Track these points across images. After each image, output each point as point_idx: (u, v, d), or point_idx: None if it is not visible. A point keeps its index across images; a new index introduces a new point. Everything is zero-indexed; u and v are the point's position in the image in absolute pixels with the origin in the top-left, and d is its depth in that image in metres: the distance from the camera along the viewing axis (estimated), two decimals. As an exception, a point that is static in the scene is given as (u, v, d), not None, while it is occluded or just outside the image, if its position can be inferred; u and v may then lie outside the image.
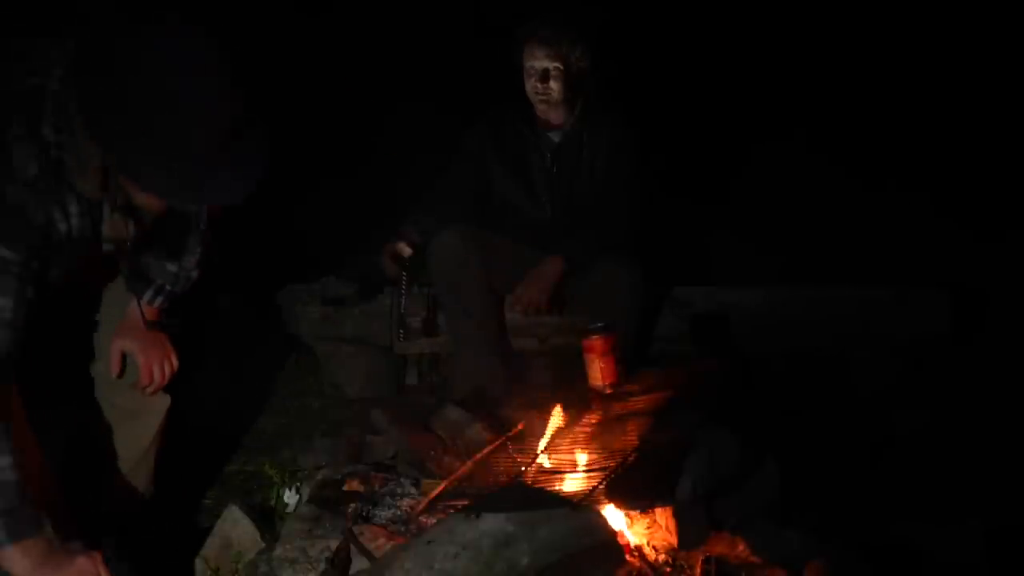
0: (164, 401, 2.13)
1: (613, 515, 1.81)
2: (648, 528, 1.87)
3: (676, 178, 3.52)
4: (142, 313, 2.03)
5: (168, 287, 2.07)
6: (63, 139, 1.56)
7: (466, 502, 1.78)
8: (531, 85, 2.83)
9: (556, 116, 2.90)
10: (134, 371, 2.06)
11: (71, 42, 1.56)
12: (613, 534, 1.72)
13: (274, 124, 1.59)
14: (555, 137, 2.93)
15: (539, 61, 2.79)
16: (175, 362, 2.09)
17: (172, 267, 2.06)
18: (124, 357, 2.06)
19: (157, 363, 2.06)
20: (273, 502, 2.38)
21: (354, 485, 2.13)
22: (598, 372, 2.23)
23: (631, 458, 1.82)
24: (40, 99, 1.55)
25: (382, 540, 1.83)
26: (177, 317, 2.14)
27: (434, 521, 1.83)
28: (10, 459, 1.60)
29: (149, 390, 2.08)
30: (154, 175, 1.50)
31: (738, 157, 4.20)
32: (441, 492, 1.94)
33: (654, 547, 1.81)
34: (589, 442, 1.99)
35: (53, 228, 1.63)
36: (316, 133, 4.14)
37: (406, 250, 2.90)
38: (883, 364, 3.06)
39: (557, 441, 2.03)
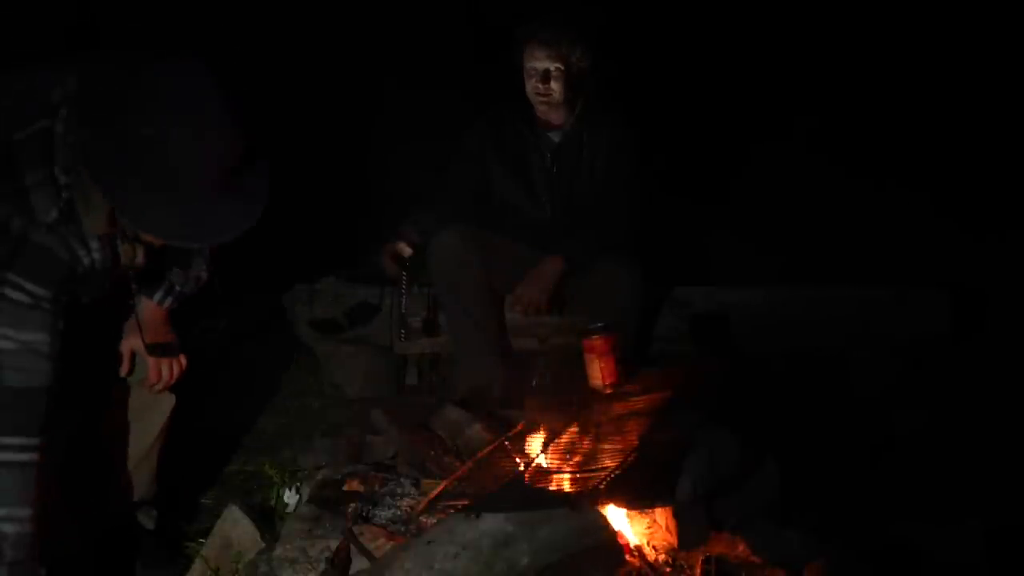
0: (170, 400, 2.14)
1: (613, 515, 1.81)
2: (648, 528, 1.87)
3: (676, 178, 3.52)
4: (138, 320, 2.04)
5: (178, 287, 2.09)
6: (72, 180, 1.61)
7: (466, 502, 1.78)
8: (532, 86, 2.83)
9: (556, 116, 2.90)
10: (142, 369, 2.08)
11: (72, 79, 1.60)
12: (613, 534, 1.72)
13: (275, 139, 1.61)
14: (555, 137, 2.93)
15: (540, 62, 2.79)
16: (183, 362, 2.11)
17: (180, 272, 2.08)
18: (134, 356, 2.08)
19: (166, 362, 2.08)
20: (273, 502, 2.38)
21: (354, 485, 2.12)
22: (598, 372, 2.23)
23: (631, 458, 1.82)
24: (49, 142, 1.59)
25: (382, 540, 1.83)
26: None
27: (434, 521, 1.83)
28: (31, 511, 1.66)
29: (157, 388, 2.09)
30: (152, 218, 1.54)
31: (738, 157, 4.20)
32: (441, 492, 1.93)
33: (654, 547, 1.82)
34: (589, 442, 1.98)
35: (78, 263, 1.71)
36: (318, 133, 4.15)
37: (406, 250, 2.90)
38: (883, 364, 3.06)
39: (557, 441, 2.03)
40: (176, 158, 1.47)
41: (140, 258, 1.83)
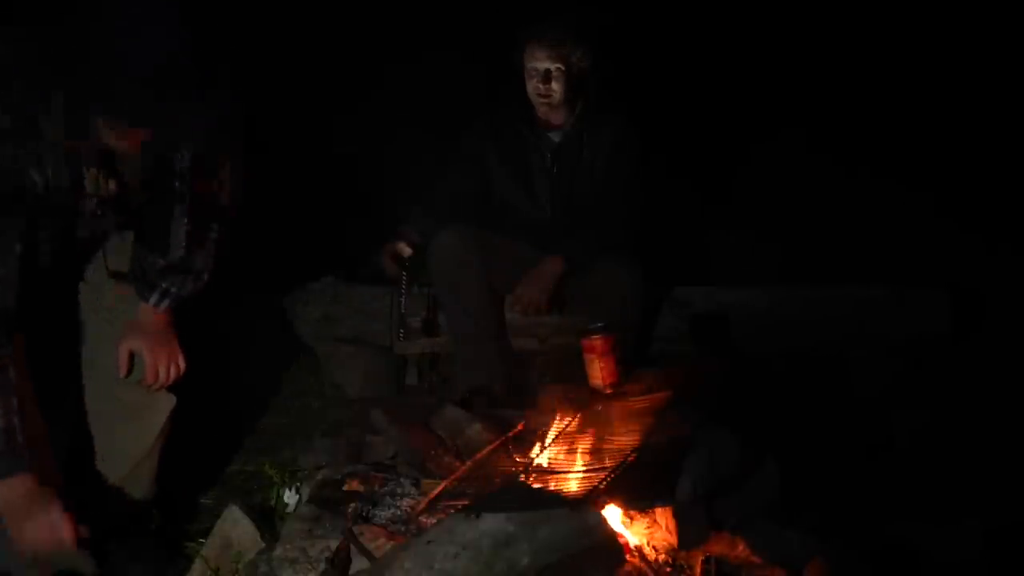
0: (169, 401, 2.14)
1: (613, 515, 1.81)
2: (648, 528, 1.87)
3: (676, 178, 3.52)
4: (104, 254, 2.05)
5: (174, 290, 2.05)
6: (31, 92, 1.64)
7: (466, 502, 1.78)
8: (533, 86, 2.83)
9: (557, 117, 2.90)
10: (141, 369, 2.07)
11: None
12: (613, 534, 1.72)
13: (274, 140, 1.65)
14: (555, 137, 2.93)
15: (541, 62, 2.79)
16: (183, 364, 2.10)
17: (164, 265, 2.04)
18: (132, 356, 2.07)
19: (163, 364, 2.07)
20: (273, 502, 2.38)
21: (354, 485, 2.12)
22: (598, 372, 2.23)
23: (631, 458, 1.82)
24: (9, 60, 1.64)
25: (382, 540, 1.83)
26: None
27: (434, 521, 1.83)
28: (3, 408, 1.71)
29: (154, 387, 2.09)
30: (114, 99, 1.59)
31: (738, 157, 4.20)
32: (441, 492, 1.94)
33: (654, 547, 1.82)
34: (589, 442, 1.99)
35: (27, 179, 1.71)
36: (316, 134, 4.14)
37: (406, 250, 2.91)
38: (882, 364, 3.06)
39: (557, 441, 2.03)
40: (118, 51, 1.53)
41: (111, 188, 1.84)
